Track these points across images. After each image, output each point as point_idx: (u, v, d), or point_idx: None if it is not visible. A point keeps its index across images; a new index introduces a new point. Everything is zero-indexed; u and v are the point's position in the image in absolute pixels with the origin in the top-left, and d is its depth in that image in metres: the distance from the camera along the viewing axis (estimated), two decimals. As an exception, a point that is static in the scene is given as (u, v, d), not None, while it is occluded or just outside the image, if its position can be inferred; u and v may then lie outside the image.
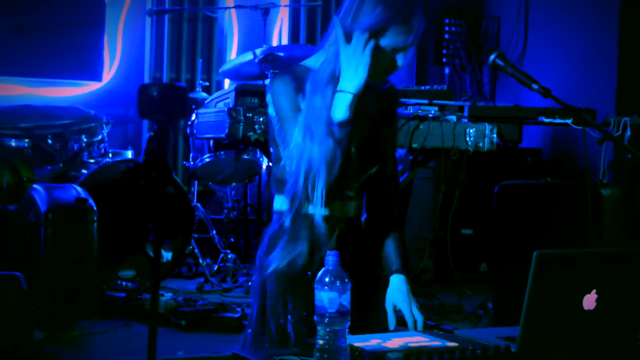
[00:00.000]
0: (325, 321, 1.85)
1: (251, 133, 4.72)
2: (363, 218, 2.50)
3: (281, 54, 5.53)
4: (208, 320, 4.66)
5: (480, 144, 4.74)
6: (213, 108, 5.64)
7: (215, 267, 5.84)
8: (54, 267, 4.36)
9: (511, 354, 1.93)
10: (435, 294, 5.39)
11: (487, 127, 4.74)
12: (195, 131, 5.66)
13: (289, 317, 2.35)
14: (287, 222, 2.36)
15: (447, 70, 7.59)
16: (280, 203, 2.40)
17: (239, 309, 4.76)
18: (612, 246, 4.14)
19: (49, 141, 5.27)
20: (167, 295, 4.98)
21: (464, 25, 7.64)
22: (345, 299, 1.86)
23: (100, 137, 5.48)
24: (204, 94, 6.20)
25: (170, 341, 4.36)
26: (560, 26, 6.94)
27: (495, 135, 4.76)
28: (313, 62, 2.38)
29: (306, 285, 2.18)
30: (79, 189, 4.64)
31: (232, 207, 6.31)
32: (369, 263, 2.48)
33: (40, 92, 6.52)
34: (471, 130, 4.73)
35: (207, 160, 5.71)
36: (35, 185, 4.63)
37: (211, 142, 5.70)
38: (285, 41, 7.31)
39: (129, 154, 5.84)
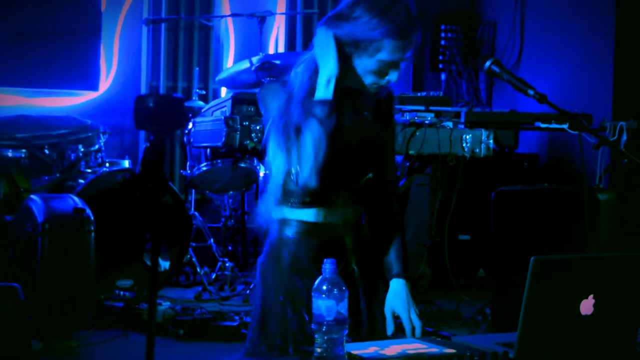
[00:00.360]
0: (323, 329, 1.85)
1: (248, 141, 4.73)
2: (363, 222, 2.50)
3: (278, 61, 5.54)
4: (206, 329, 4.65)
5: (477, 150, 4.75)
6: (210, 117, 5.65)
7: (213, 276, 5.83)
8: (52, 278, 4.35)
9: (509, 360, 1.93)
10: (432, 300, 5.39)
11: (484, 133, 4.75)
12: (192, 140, 5.66)
13: (288, 325, 2.34)
14: (286, 231, 2.36)
15: (443, 77, 7.60)
16: (279, 211, 2.40)
17: (237, 318, 4.76)
18: (609, 251, 4.14)
19: (46, 151, 5.26)
20: (164, 305, 4.97)
21: (459, 31, 7.65)
22: (343, 307, 1.86)
23: (97, 146, 5.48)
24: (201, 103, 6.21)
25: (168, 350, 4.35)
26: (556, 31, 6.95)
27: (491, 141, 4.76)
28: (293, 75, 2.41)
29: (306, 293, 2.18)
30: (76, 199, 4.64)
31: (230, 216, 6.31)
32: (372, 269, 2.47)
33: (36, 102, 6.52)
34: (468, 136, 4.73)
35: (204, 168, 5.71)
36: (32, 196, 4.63)
37: (208, 150, 5.70)
38: (281, 49, 7.32)
39: (126, 163, 5.84)
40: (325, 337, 1.85)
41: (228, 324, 4.67)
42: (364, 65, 2.30)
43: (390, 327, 2.39)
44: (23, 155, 5.23)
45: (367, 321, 2.43)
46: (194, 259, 5.85)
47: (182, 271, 6.00)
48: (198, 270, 5.79)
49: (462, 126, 4.85)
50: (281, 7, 7.25)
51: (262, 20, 6.02)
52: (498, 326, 4.58)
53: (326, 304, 1.85)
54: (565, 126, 4.78)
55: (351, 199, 2.41)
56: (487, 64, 2.44)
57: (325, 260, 1.90)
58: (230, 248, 6.33)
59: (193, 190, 6.27)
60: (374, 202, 2.49)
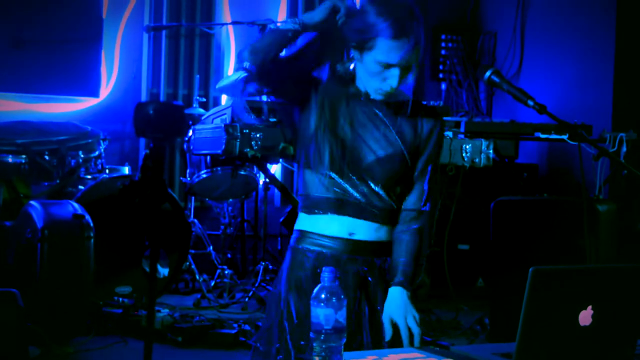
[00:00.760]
0: (321, 338, 1.85)
1: (248, 149, 4.72)
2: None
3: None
4: (205, 337, 4.65)
5: (477, 160, 4.75)
6: (210, 124, 5.65)
7: (212, 283, 5.83)
8: (50, 284, 4.35)
9: (507, 370, 1.93)
10: (432, 310, 5.38)
11: (484, 143, 4.76)
12: (192, 147, 5.66)
13: (290, 334, 2.34)
14: (302, 242, 2.37)
15: (443, 86, 7.61)
16: (301, 219, 2.41)
17: (235, 325, 4.75)
18: (608, 262, 4.13)
19: (46, 157, 5.27)
20: (163, 312, 4.97)
21: (460, 41, 7.66)
22: (341, 316, 1.86)
23: (97, 153, 5.48)
24: (201, 110, 6.21)
25: (166, 357, 4.35)
26: (556, 42, 6.96)
27: (491, 151, 4.77)
28: None
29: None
30: (75, 205, 4.64)
31: (229, 223, 6.31)
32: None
33: (37, 108, 6.53)
34: (467, 146, 4.74)
35: (204, 176, 5.71)
36: (31, 202, 4.63)
37: (208, 158, 5.70)
38: (282, 57, 7.32)
39: (126, 169, 5.85)
40: (324, 346, 1.85)
41: (226, 331, 4.67)
42: (365, 67, 2.30)
43: (388, 333, 2.38)
44: (23, 161, 5.23)
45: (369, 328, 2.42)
46: (193, 266, 5.84)
47: (181, 278, 6.00)
48: (197, 277, 5.78)
49: (462, 136, 4.86)
50: (282, 15, 7.26)
51: (263, 28, 6.02)
52: (496, 336, 4.58)
53: (325, 313, 1.85)
54: (565, 137, 4.79)
55: (378, 214, 2.41)
56: (487, 74, 2.45)
57: (324, 268, 1.89)
58: (229, 255, 6.32)
59: (193, 198, 6.27)
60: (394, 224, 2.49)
